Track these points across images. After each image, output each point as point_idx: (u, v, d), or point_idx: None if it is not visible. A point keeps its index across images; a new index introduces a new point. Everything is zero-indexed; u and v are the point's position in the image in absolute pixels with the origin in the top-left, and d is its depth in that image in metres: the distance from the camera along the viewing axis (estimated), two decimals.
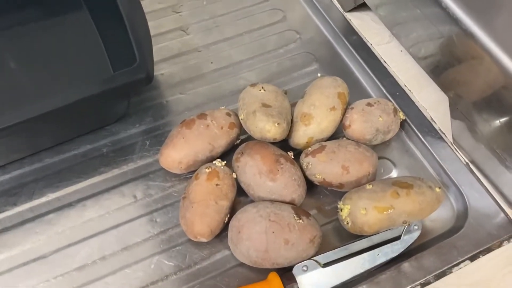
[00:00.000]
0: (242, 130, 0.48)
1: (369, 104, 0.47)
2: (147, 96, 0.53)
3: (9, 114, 0.40)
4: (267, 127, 0.44)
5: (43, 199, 0.46)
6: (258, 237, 0.39)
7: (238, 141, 0.48)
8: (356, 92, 0.53)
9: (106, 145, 0.49)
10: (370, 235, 0.42)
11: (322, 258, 0.41)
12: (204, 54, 0.57)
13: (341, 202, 0.43)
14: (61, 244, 0.43)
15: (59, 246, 0.43)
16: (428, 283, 0.41)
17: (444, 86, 0.48)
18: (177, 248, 0.43)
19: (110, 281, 0.42)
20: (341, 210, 0.42)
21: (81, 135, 0.50)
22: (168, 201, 0.46)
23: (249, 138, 0.48)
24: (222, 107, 0.49)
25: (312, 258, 0.41)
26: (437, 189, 0.42)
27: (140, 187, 0.47)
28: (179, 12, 0.61)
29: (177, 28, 0.59)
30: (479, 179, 0.46)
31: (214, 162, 0.45)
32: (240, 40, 0.59)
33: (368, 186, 0.42)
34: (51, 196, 0.46)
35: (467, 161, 0.48)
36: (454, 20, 0.43)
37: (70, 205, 0.46)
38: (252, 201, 0.44)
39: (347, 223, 0.42)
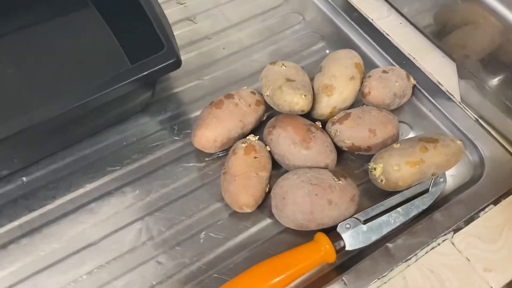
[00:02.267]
0: (267, 107, 0.50)
1: (384, 72, 0.50)
2: (166, 85, 0.55)
3: (42, 110, 0.41)
4: (295, 100, 0.46)
5: (81, 190, 0.47)
6: (303, 201, 0.42)
7: (264, 118, 0.50)
8: (365, 64, 0.55)
9: (135, 134, 0.50)
10: (402, 190, 0.45)
11: (362, 215, 0.44)
12: (214, 40, 0.59)
13: (371, 163, 0.46)
14: (108, 230, 0.44)
15: (106, 232, 0.44)
16: (460, 228, 0.44)
17: (451, 48, 0.51)
18: (222, 221, 0.45)
19: (162, 260, 0.43)
20: (374, 170, 0.45)
21: (108, 127, 0.50)
22: (206, 179, 0.48)
23: (273, 114, 0.50)
24: (245, 87, 0.51)
25: (353, 216, 0.43)
26: (458, 142, 0.46)
27: (176, 169, 0.48)
28: (183, 4, 0.63)
29: (185, 18, 0.61)
30: (490, 132, 0.50)
31: (248, 137, 0.47)
32: (247, 25, 0.61)
33: (396, 145, 0.45)
34: (88, 186, 0.47)
35: (476, 117, 0.51)
36: None
37: (109, 193, 0.47)
38: (286, 171, 0.47)
39: (381, 181, 0.44)
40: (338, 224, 0.43)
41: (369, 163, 0.46)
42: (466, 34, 0.49)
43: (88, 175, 0.48)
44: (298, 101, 0.46)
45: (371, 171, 0.45)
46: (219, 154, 0.49)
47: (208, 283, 0.42)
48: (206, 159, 0.49)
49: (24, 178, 0.47)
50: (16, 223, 0.45)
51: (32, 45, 0.56)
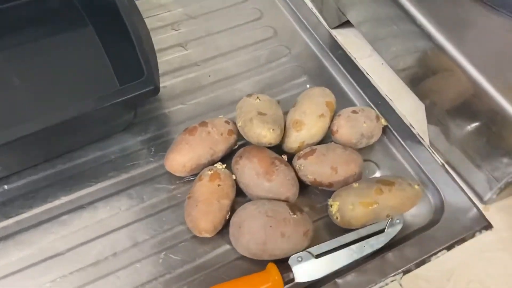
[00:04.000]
0: (239, 137, 0.52)
1: (354, 112, 0.52)
2: (151, 107, 0.58)
3: (26, 124, 0.44)
4: (263, 133, 0.48)
5: (57, 202, 0.50)
6: (257, 231, 0.44)
7: (236, 146, 0.53)
8: (341, 101, 0.58)
9: (115, 152, 0.53)
10: (357, 229, 0.47)
11: (315, 249, 0.45)
12: (202, 67, 0.62)
13: (331, 199, 0.48)
14: (76, 243, 0.47)
15: (73, 244, 0.47)
16: (410, 270, 0.46)
17: (421, 95, 0.53)
18: (183, 244, 0.48)
19: (121, 275, 0.46)
20: (331, 206, 0.47)
21: (91, 143, 0.54)
22: (173, 201, 0.50)
23: (246, 143, 0.52)
24: (221, 116, 0.54)
25: (306, 249, 0.45)
26: (416, 186, 0.47)
27: (147, 189, 0.51)
28: (178, 30, 0.66)
29: (177, 44, 0.64)
30: (454, 178, 0.52)
31: (215, 165, 0.49)
32: (236, 54, 0.64)
33: (355, 185, 0.47)
34: (64, 199, 0.50)
35: (442, 162, 0.53)
36: (427, 36, 0.49)
37: (82, 207, 0.50)
38: (250, 201, 0.49)
39: (337, 218, 0.46)
40: (290, 256, 0.45)
41: (329, 199, 0.48)
42: (435, 82, 0.50)
43: (65, 188, 0.51)
44: (266, 134, 0.48)
45: (329, 208, 0.47)
46: (189, 178, 0.52)
47: None
48: (177, 182, 0.52)
49: (5, 186, 0.50)
50: None
51: (36, 58, 0.60)
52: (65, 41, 0.62)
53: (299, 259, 0.44)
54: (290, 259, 0.44)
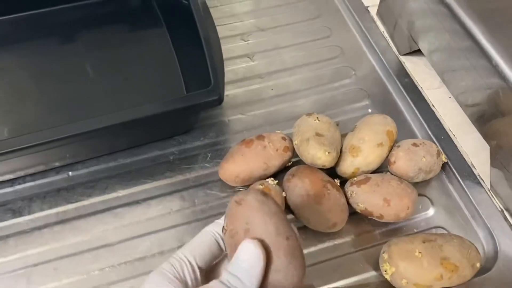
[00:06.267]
0: (294, 154, 0.53)
1: (414, 144, 0.51)
2: (212, 114, 0.59)
3: (95, 119, 0.47)
4: (318, 155, 0.49)
5: (114, 194, 0.52)
6: None
7: (289, 164, 0.53)
8: (403, 130, 0.57)
9: (173, 153, 0.55)
10: None
11: None
12: (265, 80, 0.63)
13: (386, 254, 0.45)
14: (126, 236, 0.49)
15: (124, 237, 0.49)
16: None
17: (487, 135, 0.51)
18: None
19: None
20: (387, 266, 0.44)
21: (152, 142, 0.56)
22: (222, 209, 0.51)
23: (300, 161, 0.53)
24: (278, 131, 0.54)
25: None
26: (478, 265, 0.45)
27: (199, 194, 0.52)
28: (247, 41, 0.67)
29: (244, 55, 0.66)
30: None
31: (267, 179, 0.50)
32: (299, 71, 0.64)
33: (418, 254, 0.44)
34: (121, 192, 0.52)
35: (502, 208, 0.51)
36: (501, 76, 0.47)
37: (137, 202, 0.52)
38: (296, 221, 0.49)
39: (388, 277, 0.45)
40: None
41: (383, 251, 0.46)
42: (504, 124, 0.48)
43: (123, 182, 0.53)
44: (320, 156, 0.49)
45: (382, 264, 0.45)
46: (240, 188, 0.53)
47: None
48: (228, 190, 0.53)
49: (70, 173, 0.54)
50: (54, 210, 0.51)
51: (111, 53, 0.63)
52: (140, 40, 0.65)
53: None
54: None
